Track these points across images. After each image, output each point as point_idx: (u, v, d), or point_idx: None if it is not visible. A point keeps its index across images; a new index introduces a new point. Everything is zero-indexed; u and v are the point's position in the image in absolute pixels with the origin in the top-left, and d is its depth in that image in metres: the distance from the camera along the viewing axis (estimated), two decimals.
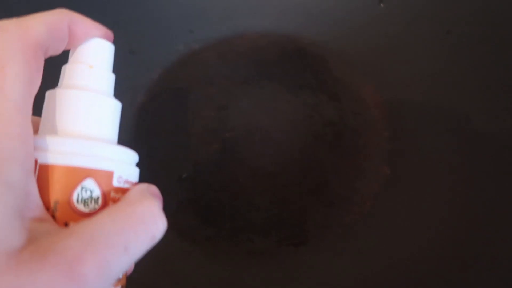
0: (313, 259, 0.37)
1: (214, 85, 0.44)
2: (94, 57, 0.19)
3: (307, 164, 0.40)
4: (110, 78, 0.19)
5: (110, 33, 0.20)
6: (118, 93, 0.46)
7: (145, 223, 0.16)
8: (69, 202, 0.16)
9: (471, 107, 0.38)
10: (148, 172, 0.41)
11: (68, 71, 0.19)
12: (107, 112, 0.19)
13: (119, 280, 0.18)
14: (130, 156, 0.19)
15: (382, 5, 0.44)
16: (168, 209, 0.40)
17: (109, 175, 0.17)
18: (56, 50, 0.18)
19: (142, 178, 0.42)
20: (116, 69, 0.47)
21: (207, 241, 0.38)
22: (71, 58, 0.19)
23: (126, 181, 0.18)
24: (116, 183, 0.18)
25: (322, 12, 0.46)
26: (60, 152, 0.16)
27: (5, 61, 0.15)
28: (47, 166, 0.16)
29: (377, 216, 0.38)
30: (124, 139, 0.42)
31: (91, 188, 0.17)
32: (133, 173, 0.19)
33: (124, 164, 0.18)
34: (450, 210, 0.36)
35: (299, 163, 0.40)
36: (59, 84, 0.19)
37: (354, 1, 0.45)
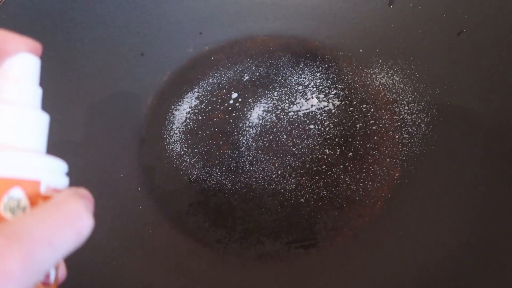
0: (323, 262, 0.36)
1: (224, 87, 0.45)
2: (20, 72, 0.19)
3: (318, 167, 0.40)
4: (36, 92, 0.20)
5: (38, 47, 0.20)
6: (128, 95, 0.47)
7: (69, 219, 0.16)
8: None
9: (485, 109, 0.38)
10: (159, 174, 0.41)
11: None
12: (33, 124, 0.19)
13: (49, 285, 0.18)
14: (58, 166, 0.19)
15: (391, 7, 0.44)
16: (178, 211, 0.40)
17: (36, 184, 0.18)
18: None
19: (152, 180, 0.42)
20: (127, 71, 0.47)
21: (218, 243, 0.38)
22: None
23: (55, 190, 0.19)
24: (43, 191, 0.18)
25: (332, 14, 0.46)
26: None
27: None
28: None
29: (388, 219, 0.37)
30: (134, 141, 0.42)
31: (18, 197, 0.17)
32: (62, 182, 0.19)
33: (52, 173, 0.19)
34: (461, 213, 0.35)
35: (309, 165, 0.40)
36: None
37: (364, 3, 0.45)
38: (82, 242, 0.17)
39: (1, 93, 0.19)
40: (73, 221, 0.16)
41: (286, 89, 0.44)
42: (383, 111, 0.42)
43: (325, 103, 0.43)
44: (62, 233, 0.16)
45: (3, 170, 0.17)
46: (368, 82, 0.44)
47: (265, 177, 0.40)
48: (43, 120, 0.20)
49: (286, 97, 0.43)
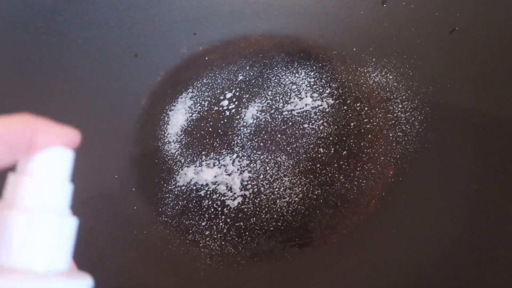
0: (317, 260, 0.36)
1: (218, 87, 0.45)
2: (49, 169, 0.16)
3: (312, 166, 0.40)
4: (66, 192, 0.17)
5: (75, 138, 0.17)
6: (122, 96, 0.47)
7: None
8: None
9: (478, 106, 0.38)
10: (153, 174, 0.41)
11: (15, 184, 0.16)
12: (60, 237, 0.16)
13: None
14: (85, 286, 0.16)
15: (384, 5, 0.44)
16: (173, 212, 0.40)
17: None
18: (6, 160, 0.15)
19: (147, 180, 0.42)
20: (120, 72, 0.47)
21: (212, 243, 0.38)
22: (21, 167, 0.16)
23: None
24: None
25: (326, 14, 0.46)
26: None
27: None
28: None
29: (382, 217, 0.38)
30: (128, 141, 0.42)
31: None
32: None
33: None
34: (455, 210, 0.35)
35: (304, 164, 0.40)
36: (3, 196, 0.16)
37: (357, 2, 0.45)
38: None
39: (23, 194, 0.16)
40: None
41: (280, 89, 0.44)
42: (377, 109, 0.42)
43: (319, 102, 0.43)
44: None
45: None
46: (362, 81, 0.44)
47: (259, 177, 0.40)
48: (71, 227, 0.17)
49: (280, 97, 0.43)
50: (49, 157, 0.16)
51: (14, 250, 0.15)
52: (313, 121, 0.42)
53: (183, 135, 0.43)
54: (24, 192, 0.16)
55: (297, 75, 0.45)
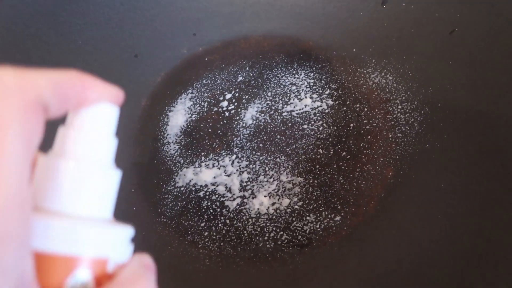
0: (316, 261, 0.36)
1: (218, 88, 0.45)
2: (97, 123, 0.17)
3: (311, 167, 0.40)
4: (112, 146, 0.18)
5: (120, 95, 0.18)
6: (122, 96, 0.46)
7: None
8: None
9: (477, 107, 0.38)
10: (153, 175, 0.41)
11: (65, 136, 0.17)
12: (106, 186, 0.17)
13: None
14: (126, 235, 0.17)
15: (384, 6, 0.44)
16: (172, 212, 0.40)
17: (104, 262, 0.16)
18: (59, 112, 0.16)
19: (146, 181, 0.42)
20: (120, 72, 0.47)
21: (211, 244, 0.38)
22: (70, 121, 0.17)
23: (121, 266, 0.17)
24: (110, 269, 0.16)
25: (326, 14, 0.46)
26: (53, 238, 0.15)
27: (4, 123, 0.13)
28: (39, 253, 0.15)
29: (381, 218, 0.37)
30: (128, 142, 0.42)
31: (85, 277, 0.15)
32: (128, 254, 0.17)
33: (119, 246, 0.17)
34: (454, 211, 0.35)
35: (303, 165, 0.40)
36: (54, 148, 0.17)
37: (357, 3, 0.45)
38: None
39: (73, 146, 0.16)
40: None
41: (280, 89, 0.44)
42: (376, 110, 0.42)
43: (319, 103, 0.43)
44: None
45: (71, 247, 0.15)
46: (361, 82, 0.44)
47: (259, 177, 0.40)
48: (115, 178, 0.17)
49: (280, 97, 0.43)
50: (96, 112, 0.17)
51: (63, 196, 0.16)
52: (312, 122, 0.42)
53: (183, 136, 0.43)
54: (73, 144, 0.16)
55: (296, 76, 0.45)
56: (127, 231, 0.17)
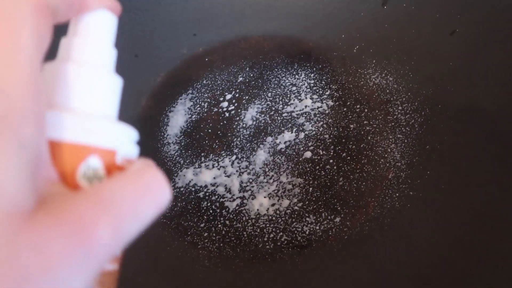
0: (316, 262, 0.36)
1: (218, 88, 0.45)
2: (98, 30, 0.18)
3: (311, 167, 0.40)
4: (112, 54, 0.19)
5: (118, 6, 0.19)
6: (122, 97, 0.46)
7: (152, 191, 0.16)
8: (73, 178, 0.16)
9: (478, 108, 0.38)
10: None
11: (68, 44, 0.18)
12: (110, 88, 0.18)
13: (116, 258, 0.18)
14: (132, 135, 0.19)
15: (385, 7, 0.44)
16: (172, 213, 0.40)
17: (113, 153, 0.17)
18: (65, 17, 0.17)
19: None
20: (121, 72, 0.47)
21: (211, 244, 0.38)
22: (72, 30, 0.18)
23: (128, 160, 0.18)
24: (119, 161, 0.17)
25: (326, 15, 0.46)
26: (66, 128, 0.16)
27: (17, 21, 0.14)
28: (53, 142, 0.16)
29: (381, 220, 0.37)
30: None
31: (96, 166, 0.16)
32: (134, 152, 0.19)
33: (126, 143, 0.18)
34: (454, 212, 0.35)
35: (303, 166, 0.40)
36: (58, 57, 0.18)
37: (357, 4, 0.45)
38: (160, 213, 0.16)
39: (77, 52, 0.18)
40: (155, 192, 0.16)
41: (280, 90, 0.44)
42: (376, 111, 0.42)
43: (319, 104, 0.43)
44: (145, 203, 0.15)
45: (82, 137, 0.16)
46: (362, 83, 0.44)
47: (259, 178, 0.40)
48: (117, 83, 0.19)
49: (280, 98, 0.43)
50: (96, 19, 0.18)
51: (72, 95, 0.17)
52: (312, 123, 0.42)
53: (183, 136, 0.42)
54: (76, 50, 0.18)
55: (297, 76, 0.45)
56: (132, 131, 0.19)
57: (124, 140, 0.18)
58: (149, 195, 0.16)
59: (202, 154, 0.41)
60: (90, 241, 0.13)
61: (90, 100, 0.17)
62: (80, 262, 0.13)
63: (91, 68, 0.18)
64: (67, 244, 0.13)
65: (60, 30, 0.18)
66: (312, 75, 0.44)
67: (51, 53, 0.17)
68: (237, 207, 0.39)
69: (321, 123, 0.42)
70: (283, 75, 0.45)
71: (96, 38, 0.18)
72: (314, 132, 0.41)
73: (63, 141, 0.16)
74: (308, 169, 0.40)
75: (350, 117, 0.42)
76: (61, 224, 0.13)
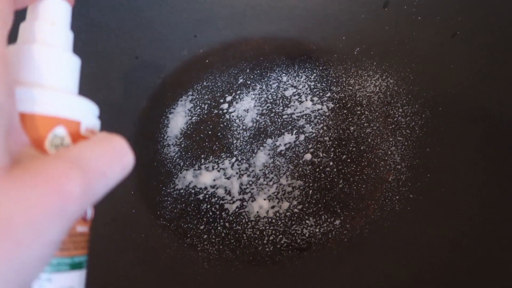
0: (315, 265, 0.36)
1: (218, 90, 0.45)
2: (56, 15, 0.20)
3: (311, 170, 0.40)
4: (70, 36, 0.21)
5: None
6: (123, 98, 0.47)
7: (117, 154, 0.17)
8: (42, 147, 0.17)
9: (479, 111, 0.38)
10: (152, 177, 0.41)
11: (29, 28, 0.20)
12: (70, 66, 0.20)
13: (86, 222, 0.20)
14: (93, 109, 0.20)
15: (386, 9, 0.44)
16: (171, 215, 0.40)
17: (77, 124, 0.19)
18: (22, 4, 0.19)
19: (146, 183, 0.42)
20: (121, 74, 0.47)
21: (211, 247, 0.38)
22: (30, 16, 0.20)
23: (92, 131, 0.20)
24: (83, 131, 0.19)
25: (327, 17, 0.46)
26: (32, 101, 0.17)
27: None
28: (24, 114, 0.17)
29: (381, 223, 0.37)
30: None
31: (62, 135, 0.18)
32: (97, 124, 0.21)
33: (89, 115, 0.20)
34: (454, 215, 0.35)
35: (303, 168, 0.40)
36: (19, 40, 0.20)
37: (358, 6, 0.45)
38: (124, 177, 0.18)
39: (38, 34, 0.20)
40: (120, 155, 0.18)
41: (280, 92, 0.44)
42: (377, 113, 0.42)
43: (319, 106, 0.43)
44: (112, 165, 0.17)
45: (49, 109, 0.18)
46: (362, 85, 0.43)
47: (258, 181, 0.40)
48: (77, 62, 0.21)
49: (280, 100, 0.43)
50: (53, 5, 0.20)
51: (36, 72, 0.19)
52: (313, 125, 0.42)
53: (183, 138, 0.42)
54: (37, 34, 0.20)
55: (297, 78, 0.44)
56: (94, 106, 0.21)
57: (87, 113, 0.20)
58: (115, 157, 0.17)
59: (202, 156, 0.41)
60: (63, 194, 0.14)
61: (54, 77, 0.19)
62: (56, 213, 0.14)
63: (53, 49, 0.19)
64: (44, 195, 0.14)
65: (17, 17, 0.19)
66: (313, 77, 0.44)
67: (10, 38, 0.19)
68: (237, 209, 0.39)
69: (321, 125, 0.42)
70: (284, 77, 0.45)
71: (54, 22, 0.20)
72: (314, 134, 0.41)
73: (32, 113, 0.17)
74: (308, 171, 0.40)
75: (350, 119, 0.42)
76: (37, 177, 0.14)
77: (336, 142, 0.41)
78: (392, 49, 0.43)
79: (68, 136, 0.18)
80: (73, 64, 0.20)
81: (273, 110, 0.43)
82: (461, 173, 0.37)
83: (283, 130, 0.42)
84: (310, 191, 0.39)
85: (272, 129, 0.42)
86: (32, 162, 0.15)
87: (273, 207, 0.39)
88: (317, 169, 0.40)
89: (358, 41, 0.45)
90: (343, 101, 0.43)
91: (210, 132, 0.42)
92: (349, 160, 0.40)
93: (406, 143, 0.40)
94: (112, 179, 0.17)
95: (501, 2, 0.38)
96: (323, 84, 0.44)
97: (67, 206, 0.14)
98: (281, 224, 0.38)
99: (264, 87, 0.44)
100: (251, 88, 0.44)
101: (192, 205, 0.39)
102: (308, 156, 0.40)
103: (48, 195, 0.14)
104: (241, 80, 0.45)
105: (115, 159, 0.17)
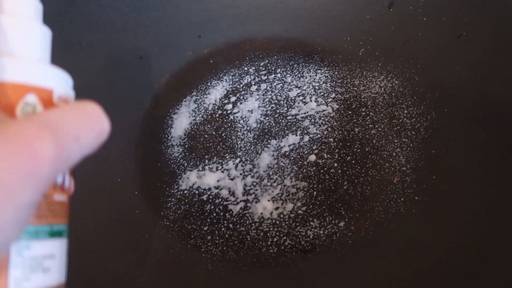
0: (320, 267, 0.36)
1: (223, 90, 0.44)
2: None
3: (316, 171, 0.40)
4: (39, 7, 0.21)
5: None
6: (127, 99, 0.46)
7: (92, 119, 0.17)
8: (13, 115, 0.17)
9: (484, 113, 0.38)
10: (156, 178, 0.41)
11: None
12: (41, 36, 0.20)
13: (64, 191, 0.20)
14: (66, 78, 0.21)
15: (391, 10, 0.43)
16: (175, 216, 0.40)
17: (49, 92, 0.19)
18: None
19: (149, 184, 0.42)
20: (125, 74, 0.47)
21: (214, 248, 0.38)
22: None
23: (65, 100, 0.20)
24: (56, 100, 0.19)
25: (332, 17, 0.46)
26: (1, 69, 0.18)
27: None
28: None
29: (386, 224, 0.37)
30: (132, 144, 0.42)
31: (34, 103, 0.18)
32: (71, 94, 0.21)
33: (62, 84, 0.20)
34: (460, 218, 0.35)
35: (307, 170, 0.40)
36: None
37: (363, 6, 0.45)
38: (100, 145, 0.18)
39: (8, 6, 0.20)
40: (95, 121, 0.17)
41: (284, 93, 0.44)
42: (382, 115, 0.42)
43: (324, 107, 0.42)
44: (86, 129, 0.17)
45: (19, 77, 0.18)
46: (367, 86, 0.43)
47: (262, 182, 0.40)
48: (47, 33, 0.21)
49: (285, 101, 0.43)
50: None
51: (9, 42, 0.19)
52: (317, 126, 0.42)
53: (187, 138, 0.42)
54: (7, 5, 0.20)
55: (302, 79, 0.44)
56: (67, 76, 0.21)
57: (60, 81, 0.20)
58: (89, 122, 0.17)
59: (206, 156, 0.41)
60: (34, 156, 0.14)
61: (25, 46, 0.19)
62: (27, 176, 0.14)
63: (24, 19, 0.20)
64: (15, 156, 0.14)
65: None
66: (317, 77, 0.44)
67: None
68: (241, 210, 0.39)
69: (326, 126, 0.42)
70: (288, 77, 0.45)
71: None
72: (318, 135, 0.41)
73: (1, 82, 0.18)
74: (312, 172, 0.40)
75: (355, 120, 0.42)
76: (7, 139, 0.14)
77: (340, 143, 0.41)
78: (397, 50, 0.43)
79: (40, 104, 0.18)
80: (44, 34, 0.21)
81: (278, 111, 0.43)
82: (467, 175, 0.37)
83: (287, 131, 0.42)
84: (315, 192, 0.39)
85: (276, 130, 0.42)
86: (1, 125, 0.15)
87: (277, 208, 0.38)
88: (322, 171, 0.40)
89: (363, 41, 0.45)
90: (348, 102, 0.43)
91: (214, 133, 0.42)
92: (353, 161, 0.40)
93: (411, 145, 0.40)
94: (86, 145, 0.17)
95: (508, 3, 0.38)
96: (328, 85, 0.44)
97: (39, 168, 0.14)
98: (285, 226, 0.38)
99: (268, 87, 0.44)
100: (255, 88, 0.44)
101: (196, 206, 0.39)
102: (312, 157, 0.40)
103: (19, 156, 0.14)
104: (245, 81, 0.45)
105: (89, 124, 0.17)
